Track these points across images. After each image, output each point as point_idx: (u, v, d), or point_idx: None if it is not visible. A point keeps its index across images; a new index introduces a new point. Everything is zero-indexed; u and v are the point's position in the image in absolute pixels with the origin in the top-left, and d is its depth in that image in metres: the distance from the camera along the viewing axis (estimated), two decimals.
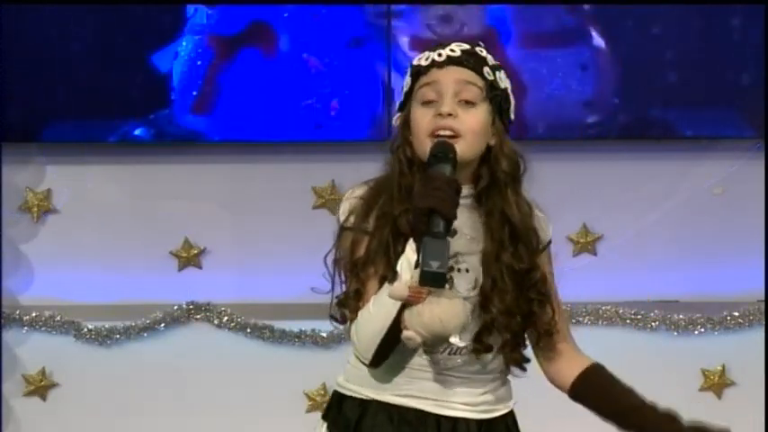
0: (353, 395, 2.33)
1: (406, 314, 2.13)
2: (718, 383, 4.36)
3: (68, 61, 4.27)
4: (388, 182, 2.30)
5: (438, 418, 2.29)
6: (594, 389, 2.35)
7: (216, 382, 4.35)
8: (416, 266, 2.13)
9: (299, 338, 4.34)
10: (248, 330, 4.35)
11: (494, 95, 2.29)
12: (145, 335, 4.35)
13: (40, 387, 4.38)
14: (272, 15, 4.24)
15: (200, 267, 4.40)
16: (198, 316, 4.36)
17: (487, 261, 2.28)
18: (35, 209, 4.38)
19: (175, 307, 4.35)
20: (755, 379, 4.31)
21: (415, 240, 2.15)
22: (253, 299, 4.35)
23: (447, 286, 2.16)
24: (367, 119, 4.26)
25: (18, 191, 4.38)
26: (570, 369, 2.36)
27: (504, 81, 2.33)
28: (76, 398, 4.38)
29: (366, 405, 2.31)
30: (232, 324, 4.35)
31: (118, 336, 4.35)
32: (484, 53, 2.31)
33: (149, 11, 4.26)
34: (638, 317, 4.32)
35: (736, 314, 4.32)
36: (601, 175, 4.36)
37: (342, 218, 2.31)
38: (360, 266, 2.25)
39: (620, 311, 4.33)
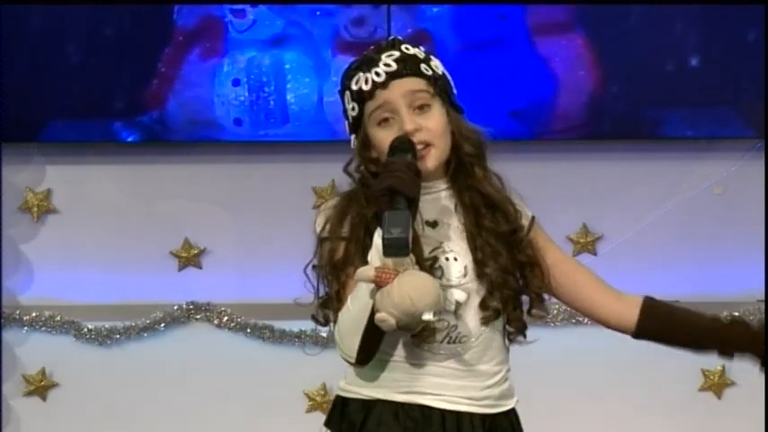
0: (357, 397, 2.32)
1: (377, 296, 2.11)
2: (718, 383, 4.36)
3: (68, 61, 4.26)
4: (360, 191, 2.32)
5: (442, 413, 2.28)
6: (662, 322, 2.40)
7: (216, 383, 4.35)
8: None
9: (299, 338, 4.34)
10: (248, 330, 4.35)
11: (440, 87, 2.31)
12: (145, 335, 4.35)
13: (40, 387, 4.38)
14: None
15: (201, 267, 4.40)
16: (198, 316, 4.36)
17: (471, 233, 2.31)
18: (35, 209, 4.38)
19: (175, 307, 4.35)
20: (755, 379, 4.27)
21: (380, 227, 2.14)
22: (253, 299, 4.34)
23: (412, 258, 2.14)
24: None
25: (18, 191, 4.37)
26: (629, 310, 2.41)
27: (439, 67, 2.34)
28: (76, 398, 4.38)
29: (370, 405, 2.30)
30: (232, 324, 4.35)
31: (118, 336, 4.35)
32: (411, 50, 2.32)
33: (149, 11, 4.25)
34: None
35: (736, 314, 4.31)
36: (601, 175, 4.36)
37: (318, 229, 2.32)
38: (339, 268, 2.26)
39: None
